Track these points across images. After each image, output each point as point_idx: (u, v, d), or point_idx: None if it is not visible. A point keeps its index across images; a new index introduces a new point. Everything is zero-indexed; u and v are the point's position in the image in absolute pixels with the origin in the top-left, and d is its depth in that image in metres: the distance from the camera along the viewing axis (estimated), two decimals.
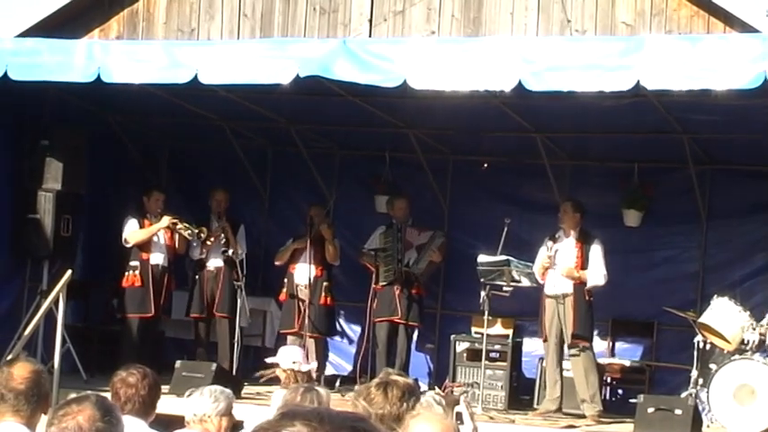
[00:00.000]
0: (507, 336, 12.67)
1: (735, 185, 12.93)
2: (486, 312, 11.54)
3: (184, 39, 13.08)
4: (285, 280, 13.10)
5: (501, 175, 13.74)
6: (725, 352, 11.11)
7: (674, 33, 11.43)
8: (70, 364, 12.22)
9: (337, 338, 14.03)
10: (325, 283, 13.03)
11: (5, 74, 10.83)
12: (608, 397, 12.55)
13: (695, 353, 11.33)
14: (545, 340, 11.80)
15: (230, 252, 12.83)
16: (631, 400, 11.30)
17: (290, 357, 8.75)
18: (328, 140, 14.02)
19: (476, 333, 12.58)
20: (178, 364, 11.77)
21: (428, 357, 13.88)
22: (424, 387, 11.37)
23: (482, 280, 11.58)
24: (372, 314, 12.70)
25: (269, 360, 9.01)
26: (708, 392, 10.73)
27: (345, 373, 13.60)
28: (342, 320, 14.08)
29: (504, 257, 11.57)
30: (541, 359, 12.21)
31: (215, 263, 13.08)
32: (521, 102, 11.04)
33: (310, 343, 12.78)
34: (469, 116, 11.93)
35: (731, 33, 11.04)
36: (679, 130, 12.02)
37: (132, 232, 12.77)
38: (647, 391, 11.86)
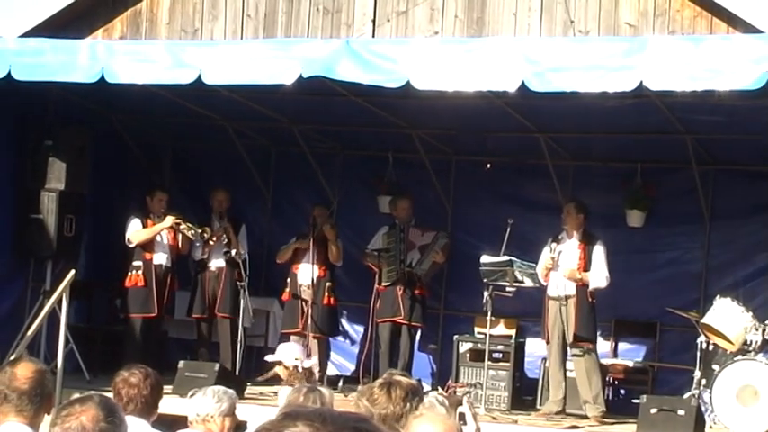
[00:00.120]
0: (510, 336, 12.66)
1: (738, 186, 12.93)
2: (489, 313, 11.55)
3: (188, 39, 13.09)
4: (288, 280, 13.10)
5: (504, 176, 13.74)
6: (728, 353, 11.10)
7: (678, 34, 11.44)
8: (73, 364, 12.23)
9: (340, 339, 14.03)
10: (327, 284, 13.03)
11: (9, 74, 10.83)
12: (611, 398, 12.54)
13: (698, 353, 11.33)
14: (548, 341, 11.80)
15: (233, 252, 12.83)
16: (634, 401, 11.29)
17: (292, 354, 8.74)
18: (331, 141, 14.02)
19: (479, 333, 12.58)
20: (181, 364, 11.77)
21: (431, 358, 13.88)
22: (426, 387, 11.36)
23: (485, 280, 11.58)
24: (375, 314, 12.70)
25: (269, 358, 8.99)
26: (711, 393, 10.73)
27: (348, 374, 13.60)
28: (344, 321, 14.09)
29: (506, 258, 11.58)
30: (544, 360, 12.21)
31: (217, 263, 13.08)
32: (524, 102, 11.04)
33: (313, 343, 12.78)
34: (472, 116, 11.93)
35: (734, 34, 11.04)
36: (682, 131, 12.01)
37: (135, 232, 12.78)
38: (649, 392, 11.86)
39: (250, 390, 11.69)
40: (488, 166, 13.64)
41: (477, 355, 12.17)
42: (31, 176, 12.60)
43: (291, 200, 14.50)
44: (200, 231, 12.87)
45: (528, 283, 11.68)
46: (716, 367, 10.95)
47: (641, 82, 9.21)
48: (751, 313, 11.07)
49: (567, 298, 11.63)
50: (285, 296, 13.16)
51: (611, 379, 12.70)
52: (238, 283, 12.56)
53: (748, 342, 10.98)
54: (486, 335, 11.76)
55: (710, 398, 10.73)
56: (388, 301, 12.68)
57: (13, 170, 12.68)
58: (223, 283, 12.99)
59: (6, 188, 12.67)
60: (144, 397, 6.12)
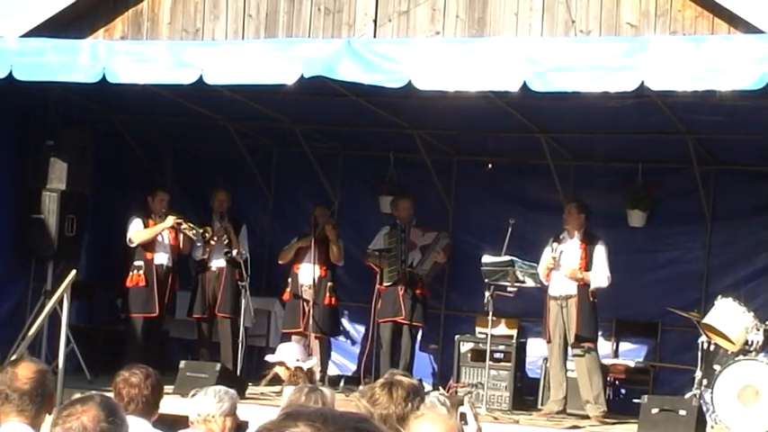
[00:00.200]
0: (511, 336, 12.67)
1: (739, 186, 12.93)
2: (491, 313, 11.55)
3: (189, 39, 13.10)
4: (289, 280, 13.10)
5: (505, 176, 13.74)
6: (729, 353, 11.10)
7: (679, 34, 11.44)
8: (74, 365, 12.24)
9: (341, 339, 14.03)
10: (329, 284, 13.03)
11: (10, 74, 10.84)
12: (612, 398, 12.54)
13: (699, 353, 11.33)
14: (549, 341, 11.80)
15: (233, 252, 12.84)
16: (635, 401, 11.29)
17: (294, 355, 8.74)
18: (333, 141, 14.02)
19: (480, 333, 12.58)
20: (182, 364, 11.77)
21: (432, 358, 13.88)
22: (428, 387, 11.36)
23: (486, 280, 11.58)
24: (376, 314, 12.70)
25: (270, 359, 8.99)
26: (712, 393, 10.73)
27: (349, 374, 13.61)
28: (346, 321, 14.09)
29: (508, 258, 11.58)
30: (545, 360, 12.21)
31: (217, 263, 13.09)
32: (525, 102, 11.04)
33: (314, 343, 12.78)
34: (474, 117, 11.93)
35: (736, 34, 11.04)
36: (683, 131, 12.01)
37: (137, 232, 12.78)
38: (651, 392, 11.87)
39: (251, 390, 11.69)
40: (490, 166, 13.64)
41: (478, 356, 12.17)
42: (32, 176, 12.61)
43: (293, 200, 14.50)
44: (201, 231, 12.87)
45: (529, 283, 11.68)
46: (717, 367, 10.95)
47: (642, 82, 9.22)
48: (752, 313, 11.08)
49: (568, 298, 11.63)
50: (286, 296, 13.16)
51: (612, 379, 12.70)
52: (239, 283, 12.57)
53: (749, 342, 10.98)
54: (487, 335, 11.76)
55: (712, 398, 10.73)
56: (390, 301, 12.68)
57: (15, 170, 12.69)
58: (223, 283, 12.99)
59: (8, 188, 12.67)
60: (145, 397, 6.13)
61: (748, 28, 11.03)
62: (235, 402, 6.76)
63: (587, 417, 11.50)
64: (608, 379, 12.37)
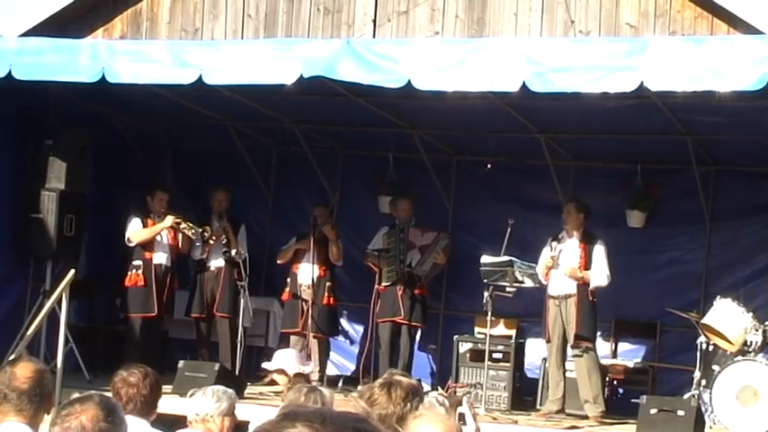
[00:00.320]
0: (510, 336, 12.67)
1: (738, 187, 12.93)
2: (490, 313, 11.55)
3: (188, 39, 13.09)
4: (288, 280, 13.10)
5: (505, 176, 13.74)
6: (728, 353, 11.11)
7: (678, 35, 11.44)
8: (73, 364, 12.23)
9: (340, 338, 14.03)
10: (328, 283, 13.03)
11: (9, 73, 10.84)
12: (611, 398, 12.53)
13: (698, 354, 11.34)
14: (548, 341, 11.80)
15: (232, 252, 12.83)
16: (634, 401, 11.29)
17: (292, 361, 8.74)
18: (332, 141, 14.02)
19: (479, 334, 12.59)
20: (181, 363, 11.77)
21: (431, 358, 13.88)
22: (426, 387, 11.37)
23: (485, 280, 11.59)
24: (375, 314, 12.70)
25: (269, 366, 8.97)
26: (711, 393, 10.73)
27: (348, 374, 13.61)
28: (344, 320, 14.09)
29: (507, 258, 11.58)
30: (544, 360, 12.21)
31: (216, 263, 13.08)
32: (524, 102, 11.04)
33: (313, 343, 12.79)
34: (473, 117, 11.93)
35: (735, 35, 11.04)
36: (683, 132, 12.01)
37: (135, 231, 12.78)
38: (649, 392, 11.87)
39: (250, 390, 11.69)
40: (489, 166, 13.65)
41: (477, 356, 12.18)
42: (31, 176, 12.60)
43: (292, 199, 14.50)
44: (200, 231, 12.87)
45: (528, 283, 11.68)
46: (716, 368, 10.95)
47: (642, 82, 9.22)
48: (751, 314, 11.08)
49: (567, 297, 11.63)
50: (285, 296, 13.15)
51: (610, 379, 12.69)
52: (238, 282, 12.56)
53: (748, 343, 10.98)
54: (486, 335, 11.76)
55: (710, 398, 10.73)
56: (389, 301, 12.68)
57: (14, 170, 12.68)
58: (222, 282, 12.99)
59: (7, 188, 12.66)
60: (143, 396, 6.12)
61: (748, 28, 11.03)
62: (233, 402, 6.76)
63: (586, 417, 11.51)
64: (607, 379, 12.37)
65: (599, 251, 11.71)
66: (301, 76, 10.05)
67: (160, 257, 12.86)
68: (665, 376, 12.94)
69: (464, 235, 13.57)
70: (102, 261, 13.69)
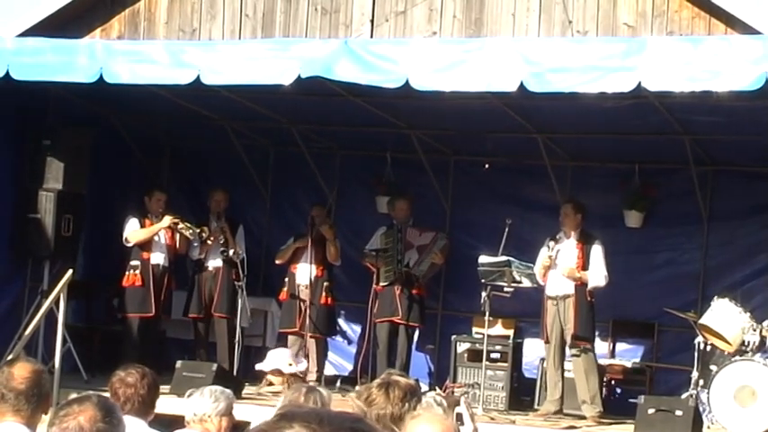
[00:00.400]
0: (508, 336, 12.67)
1: (736, 187, 12.93)
2: (487, 313, 11.55)
3: (186, 39, 13.08)
4: (286, 280, 13.10)
5: (502, 176, 13.74)
6: (725, 353, 11.11)
7: (676, 35, 11.43)
8: (71, 364, 12.23)
9: (338, 338, 14.03)
10: (325, 283, 13.03)
11: (8, 73, 10.84)
12: (608, 398, 12.53)
13: (696, 354, 11.34)
14: (547, 342, 11.80)
15: (230, 252, 12.83)
16: (632, 401, 11.30)
17: (286, 360, 8.74)
18: (330, 141, 14.03)
19: (476, 334, 12.59)
20: (179, 364, 11.78)
21: (429, 358, 13.88)
22: (424, 388, 11.37)
23: (483, 280, 11.59)
24: (373, 314, 12.70)
25: (264, 368, 8.95)
26: (708, 393, 10.74)
27: (346, 374, 13.60)
28: (342, 320, 14.09)
29: (504, 258, 11.58)
30: (542, 360, 12.21)
31: (214, 263, 13.08)
32: (522, 102, 11.04)
33: (311, 343, 12.78)
34: (471, 117, 11.94)
35: (732, 35, 11.04)
36: (680, 132, 12.01)
37: (133, 232, 12.78)
38: (647, 392, 11.86)
39: (247, 390, 11.69)
40: (487, 166, 13.65)
41: (474, 356, 12.18)
42: (29, 176, 12.60)
43: (290, 200, 14.51)
44: (197, 231, 12.87)
45: (526, 283, 11.68)
46: (714, 368, 10.95)
47: (640, 83, 9.22)
48: (749, 314, 11.08)
49: (566, 297, 11.63)
50: (283, 296, 13.15)
51: (608, 379, 12.69)
52: (236, 283, 12.57)
53: (746, 343, 10.98)
54: (484, 335, 11.76)
55: (708, 398, 10.73)
56: (386, 301, 12.68)
57: (12, 170, 12.68)
58: (220, 283, 12.99)
59: (5, 188, 12.66)
60: (141, 397, 6.12)
61: (745, 28, 11.03)
62: (231, 402, 6.76)
63: (584, 417, 11.51)
64: (605, 379, 12.37)
65: (596, 251, 11.72)
66: (299, 76, 10.05)
67: (158, 258, 12.86)
68: (663, 376, 12.94)
69: (462, 235, 13.57)
70: (99, 261, 13.68)
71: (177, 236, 12.92)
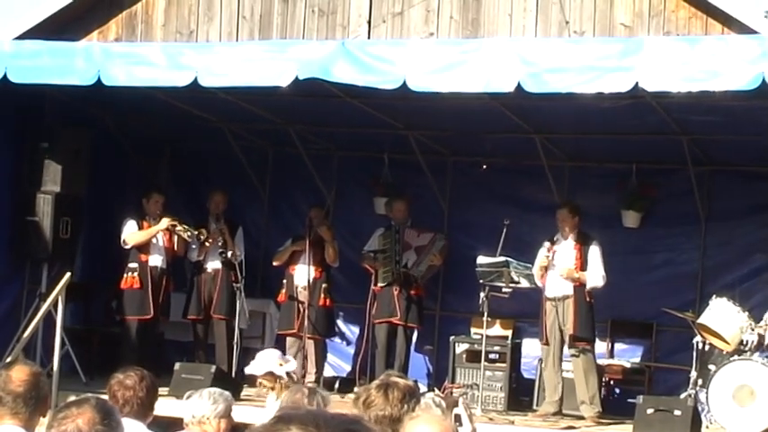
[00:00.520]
0: (506, 337, 12.68)
1: (734, 186, 12.94)
2: (486, 313, 11.55)
3: (183, 41, 13.06)
4: (284, 281, 13.09)
5: (500, 177, 13.75)
6: (724, 353, 11.11)
7: (673, 35, 11.42)
8: (69, 367, 12.22)
9: (336, 340, 14.03)
10: (324, 285, 13.02)
11: (5, 76, 10.84)
12: (607, 398, 12.54)
13: (694, 354, 11.34)
14: (546, 343, 11.79)
15: (229, 254, 12.83)
16: (631, 401, 11.30)
17: (275, 361, 8.70)
18: (328, 142, 14.03)
19: (475, 334, 12.59)
20: (177, 366, 11.78)
21: (427, 359, 13.88)
22: (423, 388, 11.36)
23: (481, 281, 11.59)
24: (371, 315, 12.70)
25: (254, 372, 8.91)
26: (707, 393, 10.74)
27: (344, 375, 13.61)
28: (341, 322, 14.08)
29: (503, 258, 11.58)
30: (541, 361, 12.21)
31: (213, 265, 13.09)
32: (520, 103, 11.05)
33: (309, 344, 12.78)
34: (468, 117, 11.94)
35: (729, 35, 11.03)
36: (678, 131, 12.02)
37: (131, 234, 12.78)
38: (646, 392, 11.87)
39: (246, 392, 11.68)
40: (484, 166, 13.65)
41: (473, 356, 12.18)
42: (27, 179, 12.60)
43: (288, 201, 14.51)
44: (195, 233, 12.87)
45: (524, 283, 11.68)
46: (712, 367, 10.95)
47: (637, 83, 9.23)
48: (747, 313, 11.08)
49: (565, 298, 11.63)
50: (281, 297, 13.14)
51: (607, 379, 12.69)
52: (234, 284, 12.57)
53: (744, 342, 10.99)
54: (482, 336, 11.76)
55: (707, 398, 10.74)
56: (385, 302, 12.68)
57: (10, 172, 12.68)
58: (219, 284, 12.99)
59: (3, 191, 12.66)
60: (139, 399, 6.11)
61: (742, 28, 11.02)
62: (229, 404, 6.76)
63: (583, 417, 11.51)
64: (603, 379, 12.37)
65: (594, 251, 11.72)
66: (296, 77, 10.06)
67: (156, 260, 12.85)
68: (662, 376, 12.94)
69: (460, 236, 13.56)
70: (98, 264, 13.68)
71: (175, 238, 12.92)
